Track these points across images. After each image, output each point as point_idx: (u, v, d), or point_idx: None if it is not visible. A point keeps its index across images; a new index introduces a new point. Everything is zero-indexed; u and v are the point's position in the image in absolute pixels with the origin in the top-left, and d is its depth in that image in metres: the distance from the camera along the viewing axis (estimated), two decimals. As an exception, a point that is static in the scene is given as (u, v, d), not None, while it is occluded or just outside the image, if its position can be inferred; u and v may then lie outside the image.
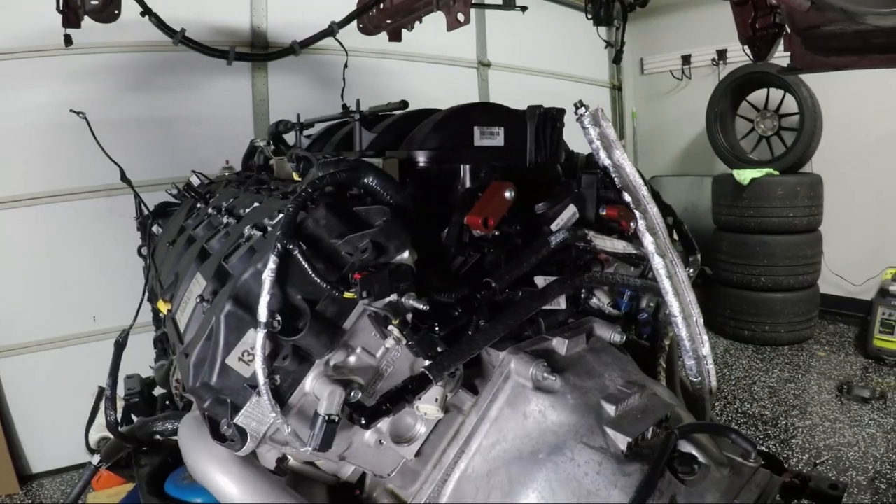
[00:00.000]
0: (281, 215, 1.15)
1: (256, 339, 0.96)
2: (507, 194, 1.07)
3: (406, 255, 1.05)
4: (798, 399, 4.58)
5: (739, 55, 5.99)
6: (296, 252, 0.96)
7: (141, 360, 2.40)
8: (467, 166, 1.24)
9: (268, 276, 0.95)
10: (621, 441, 1.21)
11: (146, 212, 2.70)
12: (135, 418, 2.26)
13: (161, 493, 1.75)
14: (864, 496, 3.33)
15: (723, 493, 1.23)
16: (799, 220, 5.39)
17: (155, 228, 2.33)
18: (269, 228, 1.15)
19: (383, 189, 1.08)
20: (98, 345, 4.02)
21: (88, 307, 4.09)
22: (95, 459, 2.27)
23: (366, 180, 1.07)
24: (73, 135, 3.55)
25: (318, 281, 0.97)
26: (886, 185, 5.75)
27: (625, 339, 1.51)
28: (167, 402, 2.32)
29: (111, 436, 2.35)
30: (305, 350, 1.02)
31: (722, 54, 6.61)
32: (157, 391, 2.49)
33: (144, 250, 2.69)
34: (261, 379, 0.97)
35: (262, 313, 0.95)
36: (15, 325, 3.92)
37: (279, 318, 0.97)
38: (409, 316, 1.05)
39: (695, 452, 1.25)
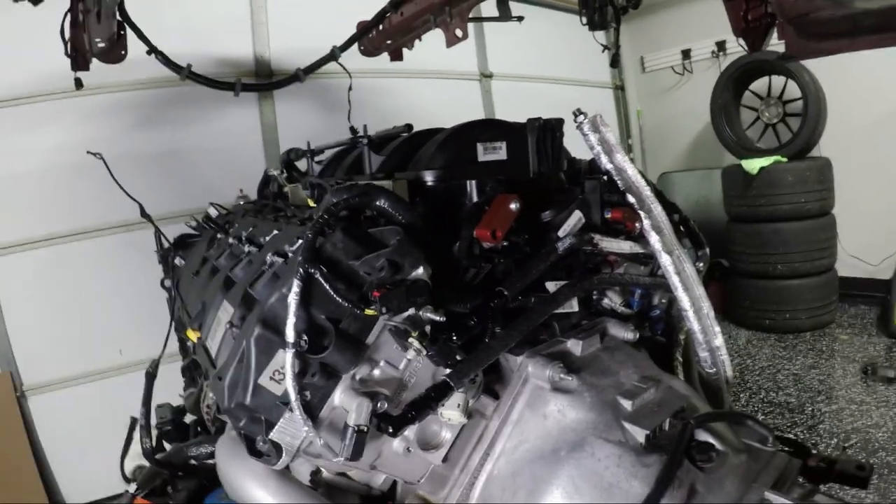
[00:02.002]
0: (300, 241, 1.22)
1: (286, 359, 1.03)
2: (513, 206, 1.12)
3: (421, 270, 1.11)
4: (823, 384, 4.58)
5: (738, 46, 6.03)
6: (317, 275, 1.03)
7: (169, 389, 2.46)
8: (473, 182, 1.30)
9: (293, 300, 1.02)
10: (639, 434, 1.25)
11: (166, 245, 2.76)
12: (167, 445, 2.32)
13: (200, 516, 1.81)
14: (895, 476, 3.33)
15: (741, 478, 1.27)
16: (811, 205, 5.38)
17: (177, 261, 2.40)
18: (290, 254, 1.21)
19: (395, 210, 1.14)
20: (125, 377, 4.11)
21: (114, 341, 4.17)
22: (132, 488, 2.33)
23: (378, 203, 1.13)
24: (89, 174, 3.63)
25: (340, 301, 1.03)
26: (895, 163, 5.74)
27: (638, 336, 1.55)
28: (199, 428, 2.38)
29: (146, 464, 2.42)
30: (332, 366, 1.08)
31: (721, 46, 6.64)
32: (188, 418, 2.55)
33: (167, 282, 2.76)
34: (292, 396, 1.03)
35: (290, 334, 1.02)
36: (45, 362, 4.01)
37: (306, 337, 1.03)
38: (428, 328, 1.11)
39: (712, 440, 1.29)
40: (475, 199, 1.31)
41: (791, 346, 5.32)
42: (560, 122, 1.55)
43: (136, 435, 2.59)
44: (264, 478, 1.19)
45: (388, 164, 1.51)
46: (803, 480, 1.35)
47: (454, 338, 1.13)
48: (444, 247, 1.23)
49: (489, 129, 1.38)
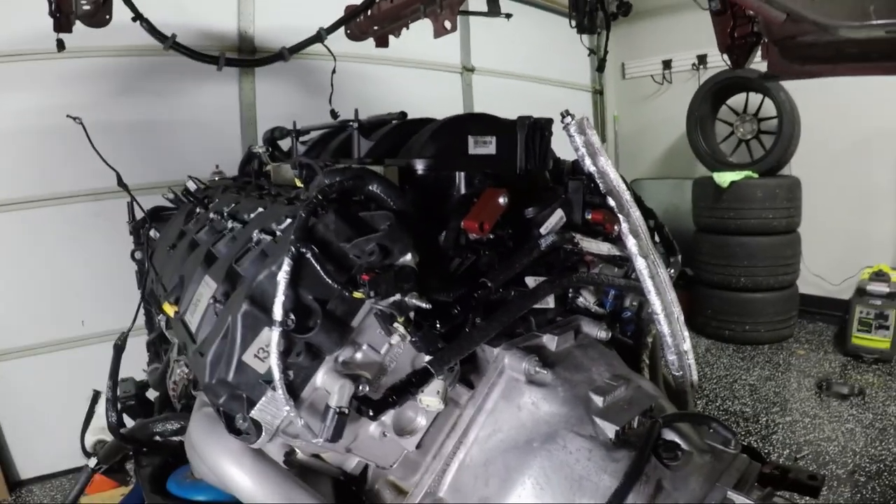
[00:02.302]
0: (289, 220, 1.23)
1: (272, 337, 1.03)
2: (501, 200, 1.14)
3: (409, 257, 1.13)
4: (778, 396, 4.70)
5: (719, 60, 6.11)
6: (308, 255, 1.03)
7: (131, 363, 2.43)
8: (462, 174, 1.32)
9: (282, 278, 1.02)
10: (609, 429, 1.28)
11: (139, 216, 2.72)
12: (129, 420, 2.30)
13: (164, 493, 1.79)
14: (843, 489, 3.44)
15: (705, 477, 1.31)
16: (778, 222, 5.51)
17: (152, 233, 2.38)
18: (279, 233, 1.22)
19: (387, 195, 1.15)
20: (87, 349, 4.04)
21: (77, 312, 4.10)
22: (92, 462, 2.31)
23: (370, 187, 1.14)
24: (61, 139, 3.60)
25: (330, 282, 1.04)
26: (863, 188, 5.92)
27: (610, 335, 1.59)
28: (164, 405, 2.36)
29: (107, 438, 2.39)
30: (317, 347, 1.09)
31: (702, 59, 6.75)
32: (150, 394, 2.52)
33: (138, 254, 2.72)
34: (276, 374, 1.04)
35: (278, 312, 1.02)
36: (2, 330, 3.92)
37: (293, 316, 1.04)
38: (412, 314, 1.12)
39: (678, 440, 1.33)
40: (463, 191, 1.33)
41: (749, 358, 5.44)
42: (549, 121, 1.57)
43: (98, 408, 2.57)
44: (239, 456, 1.19)
45: (377, 149, 1.52)
46: (758, 486, 1.39)
47: (437, 325, 1.14)
48: (430, 236, 1.24)
49: (480, 122, 1.39)
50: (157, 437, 1.93)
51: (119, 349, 2.23)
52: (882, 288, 5.23)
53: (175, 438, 1.90)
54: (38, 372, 4.00)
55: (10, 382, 3.93)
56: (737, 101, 6.18)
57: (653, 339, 1.91)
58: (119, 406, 2.18)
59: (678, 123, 6.35)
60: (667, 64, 7.12)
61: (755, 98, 6.06)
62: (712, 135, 6.20)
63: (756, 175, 5.58)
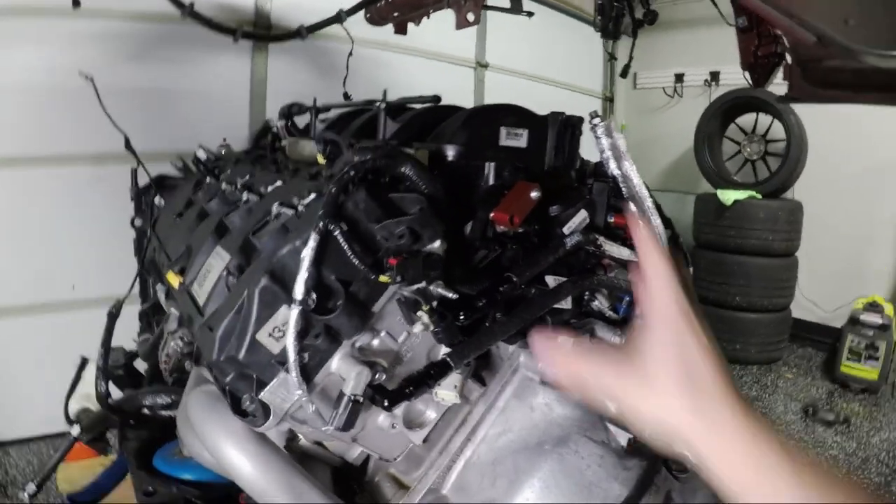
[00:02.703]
0: (313, 195, 1.18)
1: (290, 316, 0.98)
2: (534, 194, 1.11)
3: (438, 244, 1.08)
4: (765, 417, 4.68)
5: (731, 78, 6.15)
6: (337, 233, 0.99)
7: (117, 331, 2.38)
8: (492, 164, 1.28)
9: (307, 254, 0.97)
10: (622, 437, 1.25)
11: (142, 183, 2.67)
12: (116, 391, 2.25)
13: (149, 468, 1.75)
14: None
15: (713, 492, 1.29)
16: (777, 244, 5.51)
17: (157, 200, 2.32)
18: (301, 208, 1.17)
19: (419, 178, 1.11)
20: (76, 314, 3.97)
21: (69, 276, 4.04)
22: (75, 430, 2.26)
23: (403, 168, 1.10)
24: (68, 99, 3.51)
25: (356, 263, 1.00)
26: (863, 217, 5.91)
27: (624, 341, 1.55)
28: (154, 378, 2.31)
29: (92, 407, 2.34)
30: (336, 330, 1.05)
31: (715, 76, 6.72)
32: (139, 365, 2.47)
33: (138, 221, 2.66)
34: (291, 356, 0.99)
35: (299, 290, 0.98)
36: (-9, 288, 3.86)
37: (314, 296, 0.99)
38: (435, 303, 1.08)
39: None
40: (491, 181, 1.29)
41: (737, 377, 5.42)
42: (580, 120, 1.53)
43: (85, 376, 2.51)
44: (242, 439, 1.14)
45: (403, 132, 1.47)
46: None
47: (461, 317, 1.10)
48: (456, 225, 1.20)
49: (514, 114, 1.35)
50: (146, 410, 1.88)
51: (113, 317, 2.19)
52: (875, 319, 5.21)
53: (165, 413, 1.85)
54: (24, 334, 3.93)
55: (-4, 341, 3.88)
56: (746, 120, 6.16)
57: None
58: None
59: (685, 138, 6.32)
60: (679, 77, 7.09)
61: (765, 119, 6.04)
62: (719, 152, 6.19)
63: (760, 196, 5.57)
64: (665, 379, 0.67)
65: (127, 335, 2.52)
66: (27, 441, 3.99)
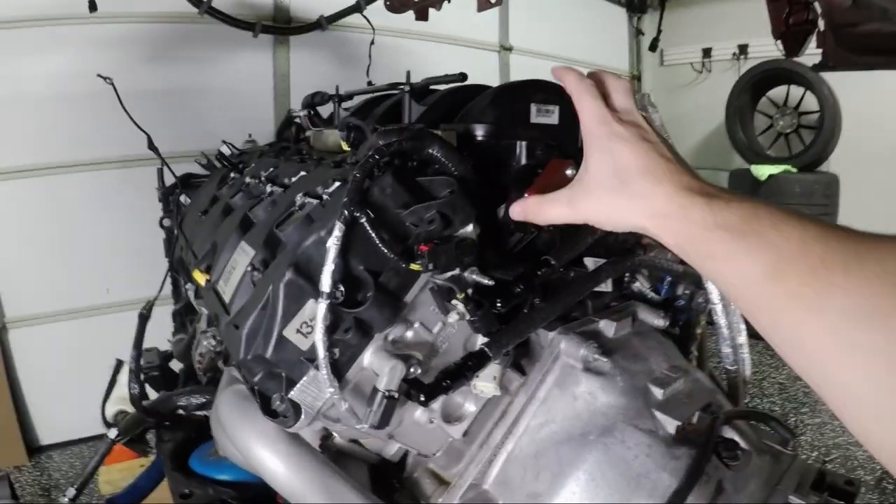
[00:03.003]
0: (338, 184, 1.13)
1: (318, 311, 0.93)
2: (569, 172, 1.04)
3: (470, 228, 1.03)
4: (808, 396, 4.57)
5: (761, 50, 6.01)
6: (363, 220, 0.93)
7: (153, 332, 2.39)
8: (524, 143, 1.22)
9: (333, 245, 0.92)
10: (670, 424, 1.19)
11: (168, 183, 2.66)
12: (152, 392, 2.25)
13: (185, 470, 1.73)
14: (871, 496, 3.34)
15: (765, 480, 1.24)
16: (815, 219, 5.38)
17: (182, 198, 2.31)
18: (325, 197, 1.12)
19: (448, 160, 1.05)
20: (110, 317, 4.03)
21: (102, 279, 4.09)
22: (112, 433, 2.25)
23: (431, 150, 1.04)
24: (91, 104, 3.54)
25: (385, 251, 0.94)
26: (903, 187, 5.73)
27: (668, 323, 1.49)
28: (188, 377, 2.31)
29: (128, 409, 2.34)
30: (367, 323, 0.99)
31: (743, 49, 6.58)
32: (174, 365, 2.47)
33: (167, 221, 2.66)
34: (321, 352, 0.94)
35: (326, 283, 0.92)
36: (27, 295, 3.92)
37: (342, 288, 0.94)
38: (470, 291, 1.03)
39: (737, 438, 1.24)
40: (524, 161, 1.23)
41: (778, 356, 5.31)
42: (613, 93, 1.47)
43: (120, 378, 2.52)
44: (274, 439, 1.10)
45: (429, 115, 1.42)
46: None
47: (498, 304, 1.05)
48: (489, 207, 1.14)
49: (544, 90, 1.28)
50: (181, 411, 1.87)
51: (144, 319, 2.19)
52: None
53: (199, 413, 1.84)
54: (61, 339, 3.99)
55: (33, 348, 3.94)
56: (777, 93, 6.02)
57: (702, 331, 1.82)
58: (142, 377, 2.13)
59: (716, 113, 6.20)
60: (707, 52, 6.95)
61: (796, 91, 5.89)
62: (751, 127, 6.06)
63: (795, 170, 5.44)
64: (597, 182, 0.78)
65: (162, 335, 2.53)
66: (69, 444, 4.05)
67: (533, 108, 1.27)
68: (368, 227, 0.94)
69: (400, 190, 1.00)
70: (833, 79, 5.39)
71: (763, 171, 5.36)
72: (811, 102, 5.68)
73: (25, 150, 3.81)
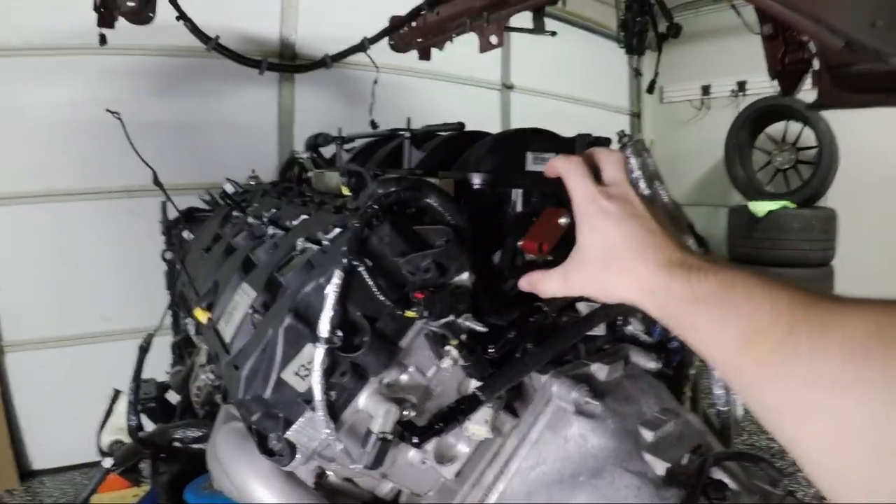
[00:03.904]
0: (337, 230, 1.17)
1: (315, 355, 0.97)
2: (562, 221, 1.07)
3: (466, 276, 1.06)
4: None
5: (759, 87, 6.08)
6: (361, 269, 0.97)
7: (151, 362, 2.41)
8: (520, 191, 1.25)
9: (331, 291, 0.96)
10: (659, 467, 1.22)
11: (171, 216, 2.70)
12: (149, 423, 2.26)
13: (180, 502, 1.75)
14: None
15: (750, 521, 1.25)
16: (813, 254, 5.41)
17: (185, 234, 2.34)
18: (325, 242, 1.16)
19: (445, 209, 1.09)
20: (109, 345, 4.04)
21: (101, 307, 4.10)
22: (108, 462, 2.27)
23: (428, 200, 1.08)
24: (97, 134, 3.60)
25: (381, 298, 0.98)
26: (898, 223, 5.77)
27: (660, 366, 1.52)
28: (185, 410, 2.32)
29: (123, 439, 2.35)
30: (363, 367, 1.03)
31: (742, 85, 6.66)
32: (171, 396, 2.49)
33: (169, 254, 2.69)
34: (317, 394, 0.97)
35: (324, 328, 0.96)
36: (25, 320, 3.93)
37: (339, 333, 0.98)
38: (464, 337, 1.06)
39: (726, 479, 1.26)
40: (520, 208, 1.26)
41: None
42: (608, 140, 1.51)
43: (117, 407, 2.53)
44: (270, 477, 1.13)
45: (429, 161, 1.46)
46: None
47: (490, 350, 1.08)
48: (484, 254, 1.18)
49: (540, 138, 1.33)
50: (177, 444, 1.88)
51: (144, 351, 2.21)
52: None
53: (195, 446, 1.85)
54: (58, 364, 4.00)
55: (29, 373, 3.94)
56: (776, 129, 6.08)
57: (695, 372, 1.84)
58: (139, 407, 2.15)
59: (715, 150, 6.26)
60: (705, 89, 7.04)
61: (794, 127, 5.96)
62: (749, 163, 6.11)
63: (793, 205, 5.48)
64: (587, 260, 0.83)
65: (160, 366, 2.54)
66: (62, 470, 4.04)
67: (529, 156, 1.31)
68: (366, 276, 0.97)
69: (397, 239, 1.04)
70: (830, 115, 5.45)
71: (761, 208, 5.40)
72: (809, 138, 5.74)
73: (30, 176, 3.85)
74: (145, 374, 2.34)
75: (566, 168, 0.89)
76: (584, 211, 0.84)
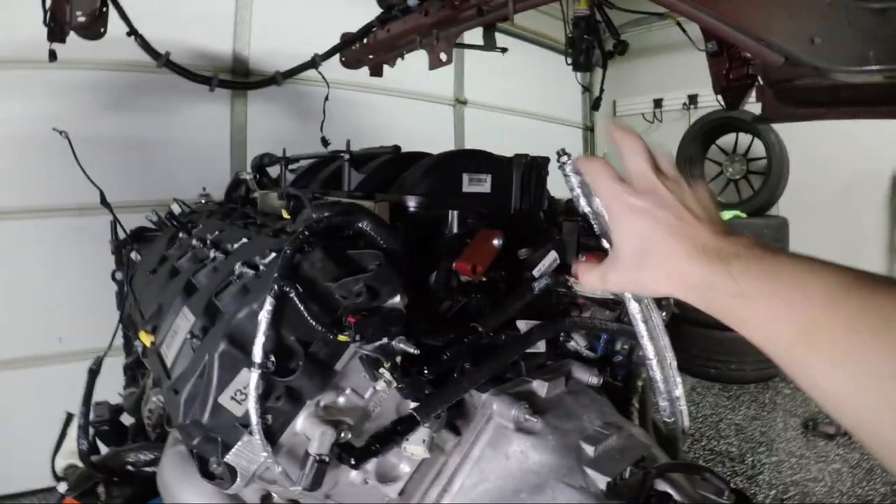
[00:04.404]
0: (273, 255, 1.18)
1: (250, 379, 0.98)
2: (496, 242, 1.10)
3: (398, 299, 1.08)
4: (764, 436, 4.66)
5: (710, 100, 6.19)
6: (293, 294, 0.98)
7: (105, 383, 2.37)
8: (455, 213, 1.28)
9: (264, 318, 0.97)
10: (600, 481, 1.24)
11: (121, 236, 2.67)
12: (103, 446, 2.23)
13: (135, 526, 1.74)
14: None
15: (692, 532, 1.27)
16: (765, 262, 5.50)
17: (133, 255, 2.32)
18: (262, 267, 1.17)
19: (377, 234, 1.11)
20: (64, 367, 3.95)
21: (55, 328, 4.02)
22: (62, 487, 2.23)
23: (360, 224, 1.10)
24: (45, 150, 3.52)
25: (314, 324, 0.99)
26: (851, 229, 5.94)
27: (602, 381, 1.54)
28: (137, 432, 2.30)
29: (78, 464, 2.31)
30: (298, 391, 1.04)
31: (693, 99, 6.80)
32: (124, 417, 2.46)
33: (119, 275, 2.66)
34: (253, 419, 0.98)
35: (257, 354, 0.97)
36: (-26, 340, 3.83)
37: (273, 358, 0.99)
38: (398, 358, 1.07)
39: (671, 491, 1.28)
40: (455, 230, 1.29)
41: (735, 397, 5.40)
42: (546, 160, 1.54)
43: (71, 431, 2.49)
44: (213, 500, 1.14)
45: (368, 183, 1.48)
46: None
47: (425, 371, 1.10)
48: (420, 276, 1.20)
49: (476, 159, 1.36)
50: (130, 467, 1.87)
51: (94, 374, 2.18)
52: (867, 330, 5.21)
53: (148, 469, 1.84)
54: (11, 387, 3.90)
55: (-19, 396, 3.84)
56: (726, 140, 6.22)
57: (643, 384, 1.87)
58: (92, 430, 2.12)
59: (668, 161, 6.38)
60: (658, 103, 7.18)
61: (745, 138, 6.10)
62: (701, 174, 6.24)
63: (744, 215, 5.60)
64: (621, 259, 0.83)
65: (115, 387, 2.51)
66: (17, 496, 3.94)
67: (465, 177, 1.34)
68: (298, 301, 0.99)
69: (329, 264, 1.05)
70: (780, 126, 5.59)
71: (714, 217, 5.50)
72: (759, 149, 5.87)
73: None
74: (99, 396, 2.32)
75: (589, 168, 0.93)
76: (613, 211, 0.85)
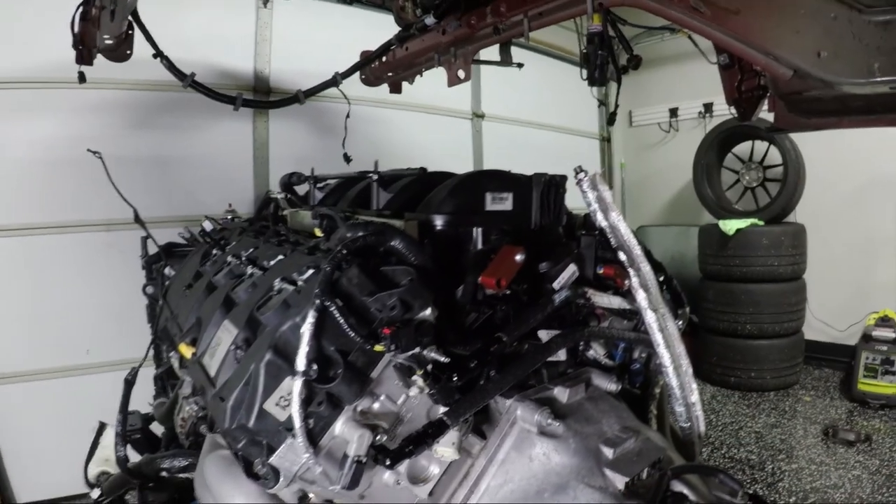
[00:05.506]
0: (311, 271, 1.27)
1: (294, 386, 1.07)
2: (518, 257, 1.18)
3: (429, 311, 1.16)
4: (784, 443, 4.66)
5: (725, 109, 6.15)
6: (332, 308, 1.07)
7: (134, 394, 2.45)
8: (479, 230, 1.36)
9: (307, 330, 1.06)
10: (619, 481, 1.31)
11: (152, 251, 2.75)
12: (135, 454, 2.31)
13: (169, 530, 1.81)
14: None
15: (705, 532, 1.34)
16: (783, 269, 5.51)
17: (167, 270, 2.41)
18: (300, 283, 1.26)
19: (408, 251, 1.19)
20: (91, 378, 4.04)
21: (83, 340, 4.10)
22: (95, 493, 2.32)
23: (393, 243, 1.18)
24: (76, 168, 3.63)
25: (352, 335, 1.08)
26: (867, 233, 5.95)
27: (620, 388, 1.61)
28: (170, 440, 2.37)
29: (110, 470, 2.40)
30: (338, 396, 1.12)
31: (708, 107, 6.82)
32: (155, 427, 2.53)
33: (150, 289, 2.75)
34: (297, 423, 1.07)
35: (301, 363, 1.06)
36: (9, 353, 3.92)
37: (315, 367, 1.07)
38: (430, 367, 1.16)
39: (686, 491, 1.34)
40: (480, 246, 1.37)
41: (755, 405, 5.40)
42: (563, 178, 1.61)
43: (103, 440, 2.57)
44: (256, 500, 1.22)
45: (395, 202, 1.56)
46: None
47: (454, 378, 1.18)
48: (447, 290, 1.28)
49: (497, 179, 1.44)
50: (164, 473, 1.94)
51: (129, 384, 2.26)
52: (887, 333, 5.21)
53: (182, 475, 1.91)
54: (41, 397, 3.99)
55: (12, 406, 3.92)
56: (742, 148, 6.23)
57: (660, 390, 1.93)
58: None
59: (684, 171, 6.41)
60: (673, 112, 7.20)
61: (761, 146, 6.11)
62: (718, 182, 6.24)
63: (761, 222, 5.60)
64: None
65: (142, 398, 2.59)
66: (45, 503, 4.03)
67: (488, 196, 1.42)
68: (338, 314, 1.07)
69: (365, 280, 1.14)
70: (794, 133, 5.60)
71: (731, 226, 5.51)
72: (775, 156, 5.87)
73: (9, 209, 3.87)
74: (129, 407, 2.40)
75: None
76: None
